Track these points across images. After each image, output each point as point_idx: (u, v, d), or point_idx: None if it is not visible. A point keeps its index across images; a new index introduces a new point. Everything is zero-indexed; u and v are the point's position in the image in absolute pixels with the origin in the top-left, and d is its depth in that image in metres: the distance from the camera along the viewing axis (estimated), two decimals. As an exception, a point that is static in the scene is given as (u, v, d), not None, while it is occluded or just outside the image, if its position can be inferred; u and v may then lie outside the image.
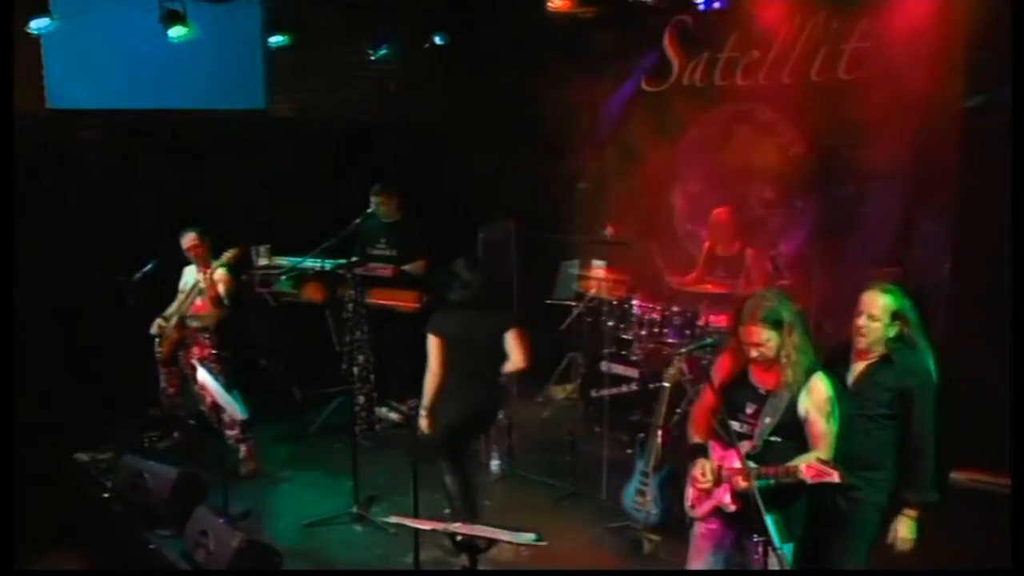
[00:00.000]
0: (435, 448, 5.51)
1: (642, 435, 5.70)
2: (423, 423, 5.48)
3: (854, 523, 3.96)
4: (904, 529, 3.90)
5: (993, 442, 5.89)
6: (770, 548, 3.56)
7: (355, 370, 6.81)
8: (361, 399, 6.91)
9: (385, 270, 7.42)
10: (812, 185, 7.60)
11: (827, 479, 3.57)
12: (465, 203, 8.08)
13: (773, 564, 3.60)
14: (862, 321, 3.92)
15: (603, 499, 6.11)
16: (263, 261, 6.98)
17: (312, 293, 7.47)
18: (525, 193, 8.03)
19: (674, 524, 4.92)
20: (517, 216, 7.10)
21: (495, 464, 6.73)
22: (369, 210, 7.50)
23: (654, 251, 7.47)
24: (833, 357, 4.03)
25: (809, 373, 3.86)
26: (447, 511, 5.48)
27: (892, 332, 3.89)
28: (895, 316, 3.89)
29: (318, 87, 8.49)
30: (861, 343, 3.96)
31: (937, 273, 6.73)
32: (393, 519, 4.45)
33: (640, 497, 5.50)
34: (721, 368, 4.09)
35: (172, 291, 6.82)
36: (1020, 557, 3.35)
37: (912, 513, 3.90)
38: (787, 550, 3.78)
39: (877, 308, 3.90)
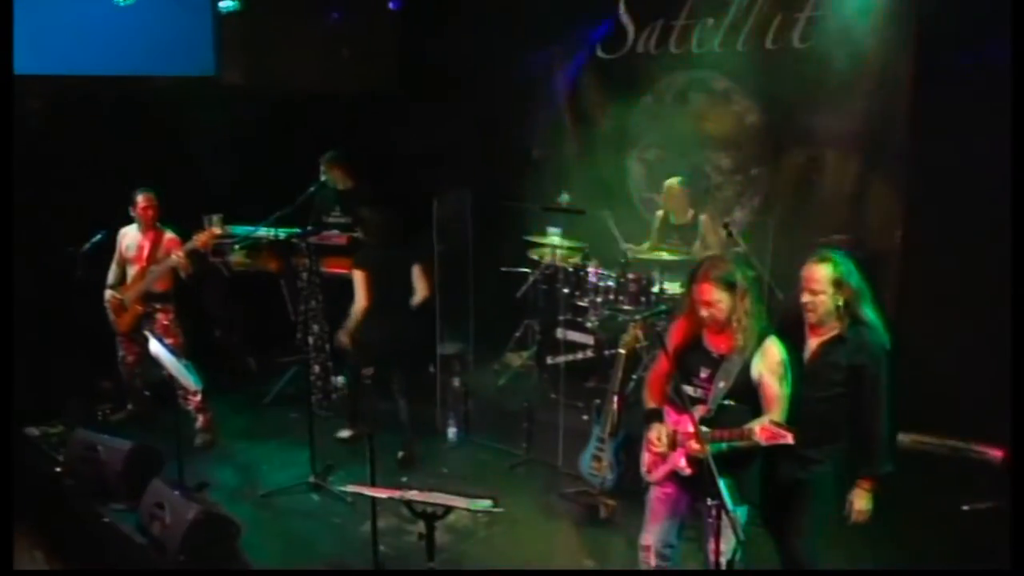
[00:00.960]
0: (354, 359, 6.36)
1: (598, 401, 5.75)
2: (343, 339, 6.27)
3: (810, 493, 3.98)
4: (860, 501, 3.94)
5: (939, 406, 6.07)
6: (724, 511, 3.59)
7: (310, 339, 6.77)
8: (316, 368, 6.89)
9: (340, 238, 7.37)
10: (766, 153, 7.66)
11: (781, 441, 3.60)
12: (420, 171, 8.00)
13: (726, 527, 3.63)
14: (806, 297, 3.92)
15: (559, 465, 6.15)
16: (216, 231, 6.86)
17: (266, 262, 7.40)
18: (481, 160, 8.02)
19: (630, 489, 4.94)
20: (473, 183, 7.06)
21: (452, 431, 6.76)
22: (322, 178, 7.43)
23: (609, 219, 7.46)
24: (786, 330, 4.03)
25: (762, 338, 3.87)
26: (404, 479, 5.49)
27: (839, 302, 3.86)
28: (837, 285, 3.85)
29: (270, 53, 8.32)
30: (811, 318, 3.95)
31: (888, 241, 6.79)
32: (350, 488, 4.46)
33: (596, 463, 5.56)
34: (675, 333, 4.10)
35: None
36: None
37: (867, 485, 3.93)
38: (741, 513, 3.82)
39: (817, 281, 3.87)
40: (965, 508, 5.40)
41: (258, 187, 7.21)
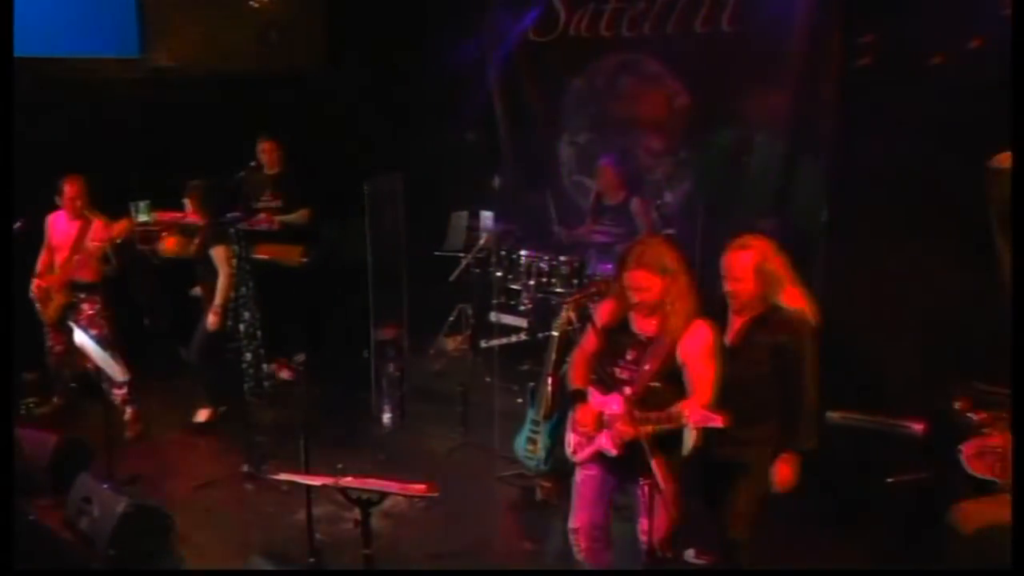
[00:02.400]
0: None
1: (532, 384, 5.79)
2: (215, 321, 6.33)
3: (744, 472, 4.04)
4: (784, 473, 3.99)
5: (865, 384, 6.22)
6: (655, 490, 3.63)
7: (241, 327, 6.63)
8: (248, 356, 6.76)
9: (270, 224, 7.30)
10: (696, 135, 7.69)
11: (711, 424, 3.63)
12: (351, 154, 7.92)
13: (658, 505, 3.69)
14: (728, 285, 3.95)
15: (496, 448, 6.15)
16: (143, 217, 6.69)
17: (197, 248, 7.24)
18: (412, 143, 7.95)
19: (566, 470, 4.90)
20: (404, 167, 6.98)
21: (387, 417, 6.74)
22: (252, 163, 7.31)
23: (547, 201, 7.50)
24: (714, 311, 4.07)
25: (690, 320, 3.90)
26: (340, 466, 5.41)
27: (761, 287, 3.91)
28: (758, 271, 3.89)
29: (196, 35, 8.10)
30: (735, 305, 4.00)
31: (814, 222, 6.87)
32: (283, 476, 4.40)
33: (531, 445, 5.58)
34: (603, 313, 4.11)
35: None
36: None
37: (790, 459, 3.98)
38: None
39: (738, 269, 3.91)
40: (890, 481, 5.52)
41: (185, 172, 7.04)
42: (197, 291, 6.66)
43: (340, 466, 5.21)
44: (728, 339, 4.00)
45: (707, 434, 3.80)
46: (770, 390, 3.97)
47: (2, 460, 4.34)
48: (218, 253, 6.33)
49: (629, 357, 3.97)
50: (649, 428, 3.71)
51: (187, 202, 6.53)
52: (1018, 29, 4.39)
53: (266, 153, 7.42)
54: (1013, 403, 3.96)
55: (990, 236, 5.30)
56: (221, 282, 6.33)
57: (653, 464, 3.60)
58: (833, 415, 6.12)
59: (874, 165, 6.32)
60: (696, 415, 3.66)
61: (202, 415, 6.66)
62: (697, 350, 3.87)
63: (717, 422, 3.62)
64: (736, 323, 4.02)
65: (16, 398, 6.70)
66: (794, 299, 3.93)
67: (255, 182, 7.44)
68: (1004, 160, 5.10)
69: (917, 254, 6.21)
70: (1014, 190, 3.98)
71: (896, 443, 5.91)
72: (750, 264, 3.89)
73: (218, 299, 6.34)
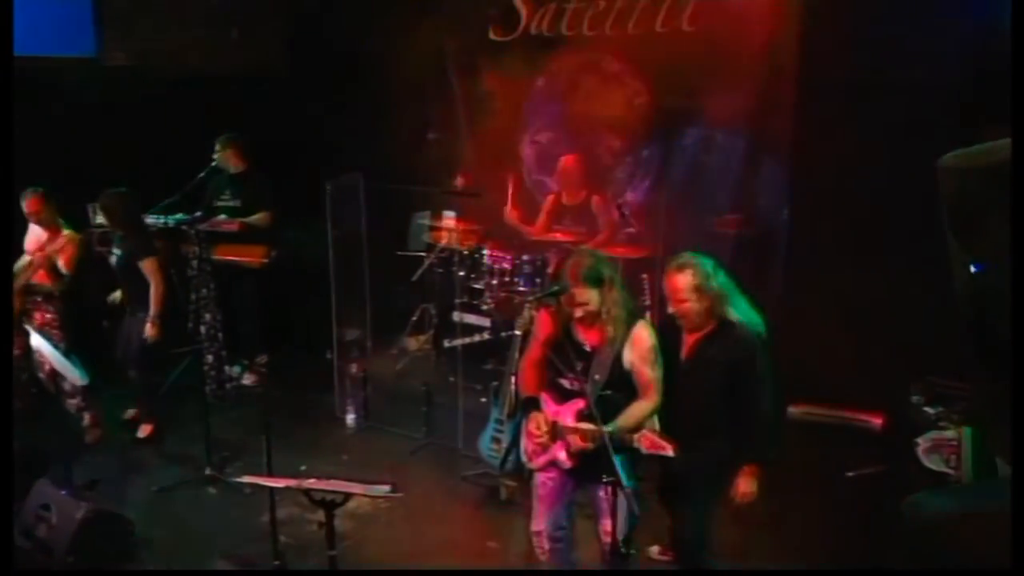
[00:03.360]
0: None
1: (496, 383, 5.78)
2: (153, 332, 6.16)
3: (699, 480, 4.05)
4: (744, 485, 3.99)
5: (826, 378, 6.29)
6: (619, 488, 3.65)
7: (202, 328, 6.62)
8: (210, 358, 6.71)
9: (230, 224, 7.21)
10: (657, 134, 7.72)
11: (661, 452, 3.67)
12: (312, 154, 7.88)
13: (622, 504, 3.70)
14: (672, 307, 3.97)
15: (460, 448, 6.14)
16: (100, 219, 6.62)
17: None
18: (374, 144, 7.88)
19: (530, 469, 4.94)
20: (366, 167, 6.95)
21: (350, 418, 6.71)
22: (214, 163, 7.25)
23: (507, 194, 7.49)
24: (668, 328, 4.10)
25: (629, 325, 3.94)
26: (303, 467, 5.41)
27: (704, 305, 3.91)
28: (699, 291, 3.88)
29: (154, 33, 8.01)
30: (684, 324, 4.01)
31: (776, 219, 6.96)
32: (246, 479, 4.39)
33: (495, 444, 5.56)
34: (543, 326, 4.12)
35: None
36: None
37: (751, 471, 3.99)
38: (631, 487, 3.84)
39: (679, 291, 3.92)
40: (850, 475, 5.62)
41: (144, 173, 6.97)
42: (116, 296, 6.53)
43: (304, 468, 5.35)
44: (683, 355, 4.02)
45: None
46: (724, 404, 3.97)
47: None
48: (148, 266, 6.17)
49: (578, 367, 3.97)
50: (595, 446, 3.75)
51: (98, 213, 6.43)
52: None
53: (224, 154, 7.35)
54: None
55: (944, 234, 5.42)
56: (155, 292, 6.16)
57: (615, 462, 3.62)
58: (794, 410, 6.24)
59: (834, 164, 6.39)
60: (648, 442, 3.69)
61: (145, 430, 6.51)
62: (642, 355, 3.90)
63: (667, 451, 3.65)
64: (689, 340, 4.03)
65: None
66: (742, 313, 3.95)
67: (216, 183, 7.37)
68: (954, 159, 5.19)
69: (876, 251, 6.36)
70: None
71: (856, 437, 6.05)
72: (689, 285, 3.89)
73: (154, 310, 6.17)
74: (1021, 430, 3.68)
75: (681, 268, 3.92)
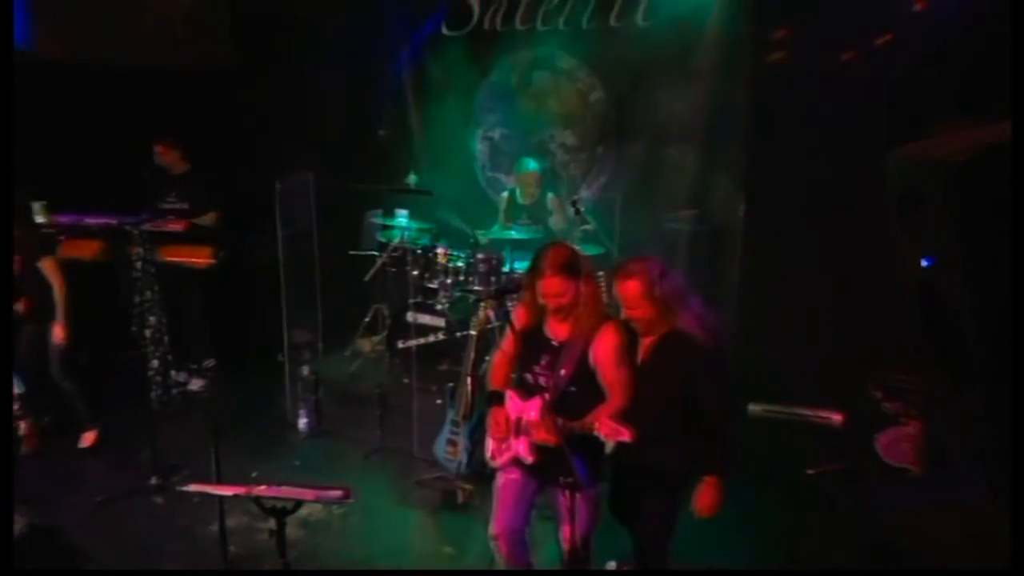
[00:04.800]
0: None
1: (451, 385, 5.73)
2: (61, 334, 6.00)
3: (652, 488, 4.01)
4: (706, 497, 3.91)
5: (783, 376, 6.38)
6: (576, 490, 3.66)
7: (147, 332, 6.49)
8: (155, 363, 6.60)
9: (177, 224, 7.06)
10: (611, 131, 7.79)
11: (621, 438, 3.63)
12: (260, 152, 7.76)
13: (580, 505, 3.71)
14: (624, 314, 3.93)
15: (415, 451, 6.10)
16: (39, 219, 6.46)
17: (95, 252, 7.01)
18: (324, 141, 7.85)
19: (487, 472, 4.85)
20: (316, 166, 6.91)
21: (302, 422, 6.61)
22: (154, 164, 7.15)
23: (453, 215, 7.61)
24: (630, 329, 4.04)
25: (599, 322, 3.92)
26: (254, 475, 5.33)
27: (655, 310, 3.85)
28: (649, 297, 3.83)
29: (93, 26, 7.79)
30: (639, 328, 3.96)
31: (732, 215, 7.01)
32: (194, 487, 4.21)
33: (451, 447, 5.54)
34: (518, 319, 4.10)
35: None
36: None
37: (711, 481, 3.90)
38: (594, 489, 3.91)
39: (629, 298, 3.87)
40: (810, 472, 5.64)
41: (85, 171, 6.80)
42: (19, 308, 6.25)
43: (254, 475, 5.28)
44: (639, 357, 3.97)
45: (621, 450, 3.80)
46: (680, 410, 3.91)
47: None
48: (47, 265, 6.00)
49: (544, 362, 3.98)
50: (560, 438, 3.72)
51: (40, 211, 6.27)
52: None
53: (163, 155, 7.24)
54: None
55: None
56: (58, 294, 5.98)
57: (573, 464, 3.62)
58: (755, 408, 6.28)
59: (789, 160, 6.51)
60: (606, 427, 3.66)
61: (87, 439, 6.31)
62: (608, 353, 3.88)
63: (625, 436, 3.62)
64: (646, 342, 3.98)
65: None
66: (690, 322, 3.88)
67: (159, 184, 7.25)
68: (905, 152, 5.27)
69: (833, 245, 6.46)
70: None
71: (814, 433, 6.08)
72: (638, 293, 3.84)
73: (59, 312, 5.99)
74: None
75: (628, 275, 3.86)
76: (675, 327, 3.86)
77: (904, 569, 4.64)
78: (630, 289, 3.85)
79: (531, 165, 7.38)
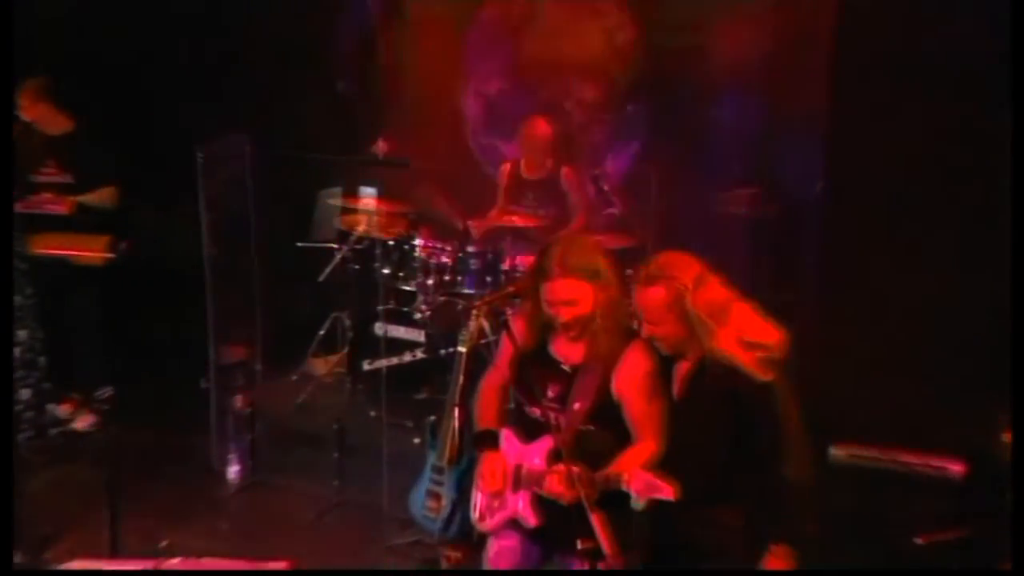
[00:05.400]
0: None
1: (432, 418, 5.63)
2: None
3: (705, 558, 3.92)
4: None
5: (878, 412, 6.16)
6: (599, 561, 3.58)
7: (16, 351, 6.36)
8: (25, 393, 6.51)
9: (58, 205, 6.95)
10: (646, 83, 7.73)
11: (657, 495, 3.59)
12: (175, 107, 7.62)
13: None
14: (646, 331, 3.89)
15: (383, 507, 6.06)
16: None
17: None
18: (264, 95, 7.80)
19: (481, 534, 4.82)
20: (254, 128, 6.83)
21: (233, 470, 6.59)
22: (20, 120, 6.93)
23: (435, 191, 7.64)
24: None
25: (625, 341, 3.93)
26: (164, 543, 5.17)
27: (685, 328, 3.78)
28: (678, 310, 3.75)
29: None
30: (666, 349, 3.92)
31: (807, 194, 6.91)
32: (78, 565, 4.14)
33: (433, 501, 5.27)
34: (518, 334, 4.09)
35: None
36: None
37: (780, 553, 3.79)
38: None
39: (651, 310, 3.81)
40: (919, 541, 5.44)
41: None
42: None
43: (164, 544, 5.12)
44: (674, 390, 3.96)
45: (662, 510, 3.75)
46: (734, 458, 3.85)
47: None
48: None
49: (551, 394, 4.02)
50: (580, 492, 3.69)
51: None
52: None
53: (35, 108, 6.98)
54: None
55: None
56: None
57: (595, 524, 3.56)
58: (838, 452, 6.14)
59: (885, 121, 6.32)
60: (639, 482, 3.63)
61: None
62: (637, 382, 3.91)
63: (666, 494, 3.58)
64: (682, 369, 3.94)
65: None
66: (731, 343, 3.76)
67: (32, 148, 7.05)
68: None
69: (944, 237, 6.29)
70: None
71: (924, 489, 5.85)
72: (660, 303, 3.76)
73: None
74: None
75: (651, 280, 3.79)
76: (713, 350, 3.80)
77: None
78: (650, 298, 3.80)
79: (539, 125, 7.32)
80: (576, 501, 3.66)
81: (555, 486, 3.85)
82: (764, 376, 3.74)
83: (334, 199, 7.89)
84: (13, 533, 4.33)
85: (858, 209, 6.62)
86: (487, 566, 4.27)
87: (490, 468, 4.09)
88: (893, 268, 6.34)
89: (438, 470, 5.24)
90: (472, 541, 5.04)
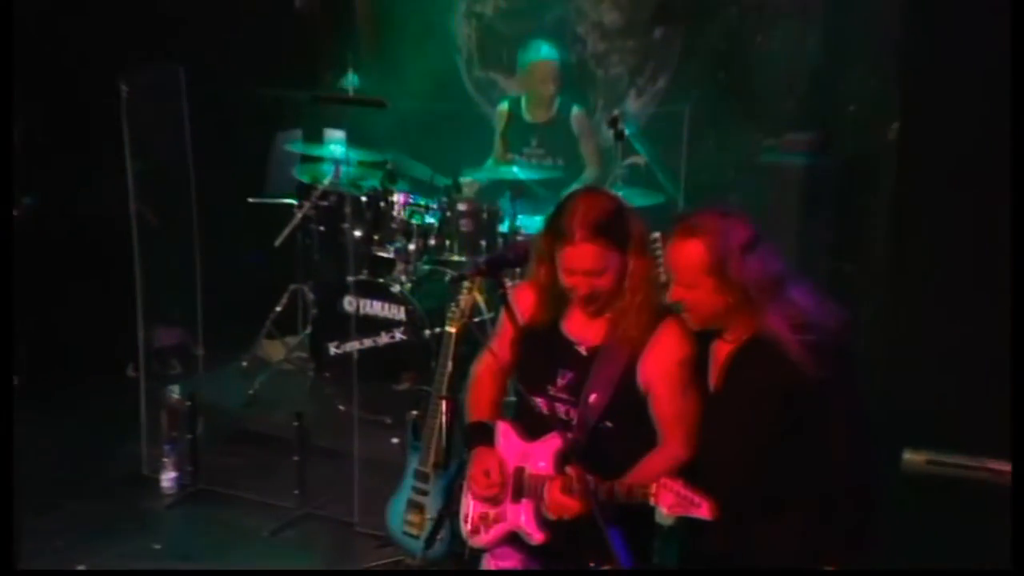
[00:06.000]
0: None
1: (415, 414, 5.64)
2: None
3: None
4: None
5: (960, 410, 6.07)
6: None
7: None
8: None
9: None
10: (677, 4, 7.80)
11: (692, 513, 3.59)
12: (91, 29, 7.53)
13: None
14: (674, 294, 3.89)
15: (354, 521, 6.13)
16: None
17: None
18: (204, 15, 7.75)
19: (467, 555, 4.81)
20: (191, 54, 6.84)
21: (168, 478, 6.62)
22: None
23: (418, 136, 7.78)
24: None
25: (654, 321, 3.94)
26: (81, 567, 5.42)
27: (726, 298, 3.79)
28: (719, 273, 3.75)
29: None
30: (692, 321, 3.93)
31: (877, 141, 6.87)
32: None
33: (415, 514, 5.39)
34: (523, 309, 4.14)
35: None
36: (1020, 557, 3.79)
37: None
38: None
39: (685, 269, 3.81)
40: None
41: None
42: None
43: (82, 567, 5.47)
44: (711, 381, 3.98)
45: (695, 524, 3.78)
46: (786, 464, 3.85)
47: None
48: None
49: (561, 381, 4.04)
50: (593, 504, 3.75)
51: None
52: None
53: None
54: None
55: None
56: None
57: (611, 543, 3.65)
58: (914, 458, 6.08)
59: (976, 47, 6.09)
60: (669, 495, 3.62)
61: None
62: (668, 370, 3.93)
63: (702, 512, 3.59)
64: (721, 352, 3.94)
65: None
66: (779, 324, 3.77)
67: None
68: None
69: None
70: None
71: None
72: (699, 263, 3.75)
73: None
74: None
75: (689, 232, 3.78)
76: (764, 329, 3.78)
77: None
78: (686, 254, 3.78)
79: (544, 52, 7.44)
80: (589, 514, 3.69)
81: (559, 497, 3.86)
82: (821, 365, 3.71)
83: (292, 145, 7.91)
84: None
85: (941, 159, 6.46)
86: None
87: (483, 467, 4.08)
88: (984, 233, 6.42)
89: (421, 476, 5.36)
90: (463, 561, 4.98)
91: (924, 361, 6.24)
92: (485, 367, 4.32)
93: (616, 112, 7.17)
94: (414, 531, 5.36)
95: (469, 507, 4.22)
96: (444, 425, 5.13)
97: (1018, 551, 3.88)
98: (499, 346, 4.21)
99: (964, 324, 6.17)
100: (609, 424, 3.93)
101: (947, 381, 6.18)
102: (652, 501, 3.63)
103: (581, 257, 3.85)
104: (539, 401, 4.04)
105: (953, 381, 6.18)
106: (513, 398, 4.38)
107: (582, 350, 4.02)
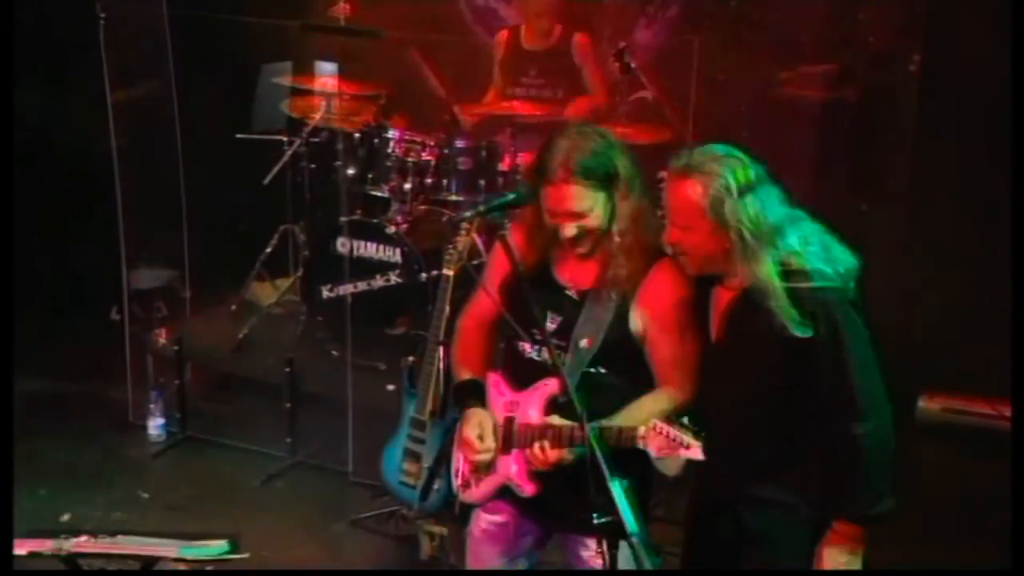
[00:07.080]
0: None
1: (411, 360, 5.65)
2: None
3: (755, 545, 3.97)
4: (832, 558, 3.84)
5: (982, 354, 6.17)
6: (617, 538, 3.49)
7: None
8: None
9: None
10: None
11: (681, 454, 3.58)
12: None
13: (624, 565, 3.54)
14: (670, 236, 3.85)
15: (348, 471, 6.25)
16: None
17: None
18: None
19: (460, 511, 4.82)
20: None
21: (155, 424, 6.67)
22: None
23: (414, 68, 7.70)
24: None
25: (648, 262, 3.91)
26: (66, 516, 5.46)
27: (723, 242, 3.73)
28: (716, 214, 3.68)
29: None
30: (690, 266, 3.90)
31: (898, 71, 6.93)
32: None
33: (411, 464, 5.33)
34: (503, 255, 4.08)
35: None
36: (1020, 557, 3.80)
37: (846, 533, 3.82)
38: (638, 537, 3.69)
39: (681, 210, 3.76)
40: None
41: None
42: None
43: (66, 517, 5.53)
44: (712, 329, 3.94)
45: (703, 481, 3.88)
46: (792, 418, 3.84)
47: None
48: None
49: (551, 326, 4.00)
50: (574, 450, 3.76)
51: None
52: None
53: None
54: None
55: None
56: None
57: (614, 490, 3.50)
58: (929, 406, 6.19)
59: None
60: (658, 437, 3.60)
61: None
62: (665, 312, 3.90)
63: (691, 452, 3.56)
64: (721, 299, 3.90)
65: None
66: (808, 256, 3.72)
67: None
68: None
69: None
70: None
71: None
72: (696, 203, 3.69)
73: None
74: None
75: (686, 173, 3.71)
76: (759, 279, 3.72)
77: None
78: (683, 194, 3.72)
79: None
80: (580, 464, 3.66)
81: (545, 452, 3.82)
82: (830, 311, 3.68)
83: (282, 78, 7.84)
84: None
85: (964, 93, 6.58)
86: (471, 548, 4.34)
87: (475, 430, 4.03)
88: (1005, 173, 6.44)
89: (418, 425, 5.27)
90: (456, 515, 5.01)
91: (940, 304, 6.36)
92: (471, 318, 4.33)
93: (623, 43, 7.18)
94: (411, 481, 5.29)
95: (459, 461, 4.25)
96: (441, 371, 5.16)
97: (1018, 551, 3.92)
98: (490, 290, 4.16)
99: (982, 265, 6.26)
100: (602, 370, 3.91)
101: (966, 323, 6.31)
102: (641, 444, 3.63)
103: (563, 198, 3.83)
104: (527, 347, 4.02)
105: (972, 323, 6.31)
106: (503, 344, 4.32)
107: (572, 294, 4.00)
